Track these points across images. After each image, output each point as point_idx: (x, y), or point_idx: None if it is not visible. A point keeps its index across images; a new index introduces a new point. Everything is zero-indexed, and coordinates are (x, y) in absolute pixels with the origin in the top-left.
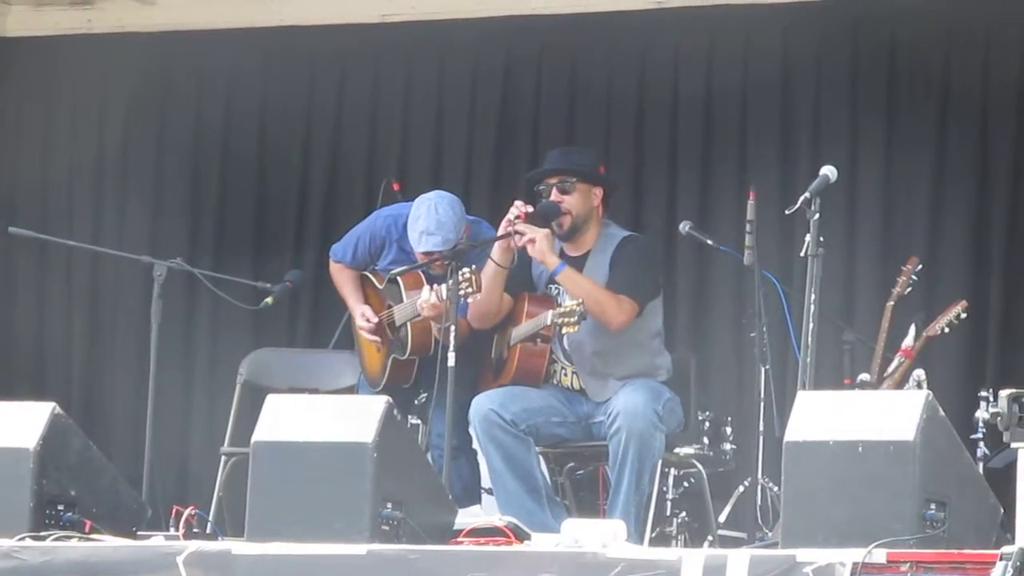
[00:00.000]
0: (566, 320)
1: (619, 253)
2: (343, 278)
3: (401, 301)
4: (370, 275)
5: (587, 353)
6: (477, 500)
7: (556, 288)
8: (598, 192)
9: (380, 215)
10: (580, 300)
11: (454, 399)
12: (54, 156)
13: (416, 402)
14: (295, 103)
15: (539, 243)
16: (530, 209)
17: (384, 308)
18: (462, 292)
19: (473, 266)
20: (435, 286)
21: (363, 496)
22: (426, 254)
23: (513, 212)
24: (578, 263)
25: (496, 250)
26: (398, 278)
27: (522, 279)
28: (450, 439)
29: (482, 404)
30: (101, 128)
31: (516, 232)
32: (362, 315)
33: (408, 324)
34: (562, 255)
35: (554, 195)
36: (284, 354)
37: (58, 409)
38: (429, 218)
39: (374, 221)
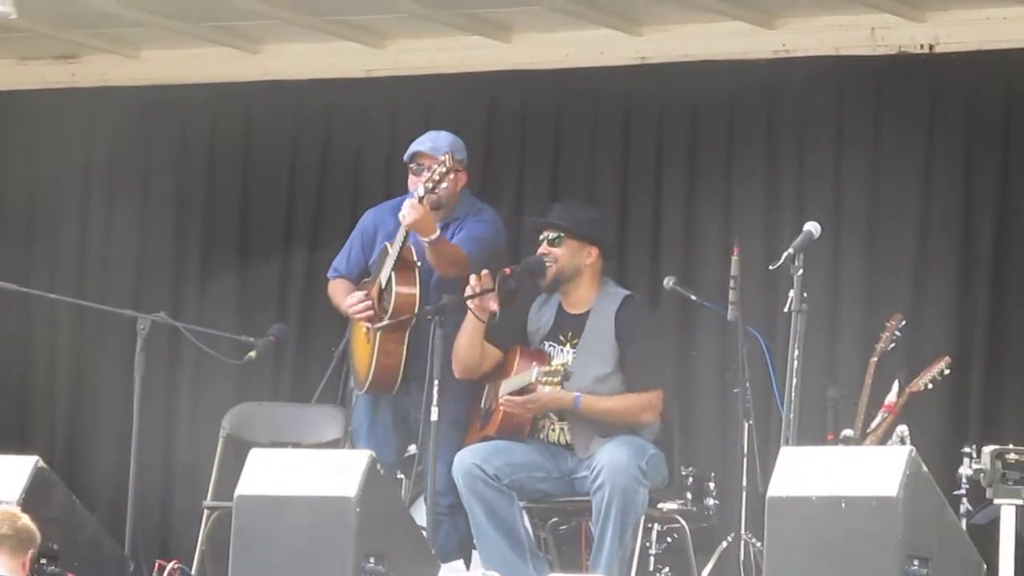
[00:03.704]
0: (551, 379)
1: (627, 325)
2: (339, 291)
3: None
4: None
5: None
6: (468, 555)
7: (552, 346)
8: (592, 251)
9: (364, 214)
10: (566, 361)
11: (448, 453)
12: (38, 208)
13: (404, 455)
14: (279, 157)
15: (542, 405)
16: (516, 268)
17: (374, 285)
18: None
19: None
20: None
21: (346, 551)
22: (413, 157)
23: (472, 283)
24: (579, 321)
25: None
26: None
27: (516, 333)
28: (432, 492)
29: (465, 459)
30: (85, 181)
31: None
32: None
33: (393, 275)
34: (560, 312)
35: (543, 247)
36: (267, 408)
37: (41, 462)
38: (427, 135)
39: (361, 220)
